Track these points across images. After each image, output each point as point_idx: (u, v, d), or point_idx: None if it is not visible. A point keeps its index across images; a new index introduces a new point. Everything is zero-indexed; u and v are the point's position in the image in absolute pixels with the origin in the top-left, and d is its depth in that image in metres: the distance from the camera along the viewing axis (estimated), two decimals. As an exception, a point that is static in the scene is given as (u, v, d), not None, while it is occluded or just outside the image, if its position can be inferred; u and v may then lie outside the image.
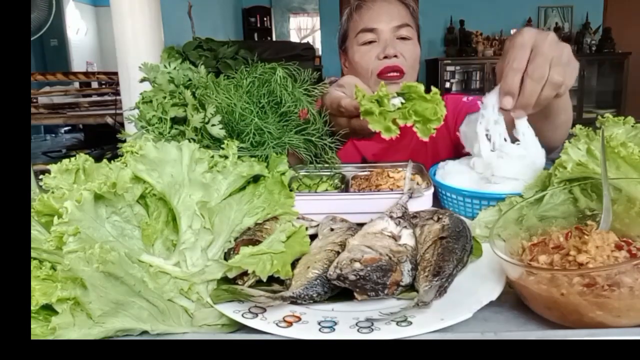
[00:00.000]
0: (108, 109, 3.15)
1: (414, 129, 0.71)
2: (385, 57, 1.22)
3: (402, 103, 0.73)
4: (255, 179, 0.69)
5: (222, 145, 0.67)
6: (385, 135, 0.71)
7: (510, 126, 0.81)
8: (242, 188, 0.66)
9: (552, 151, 0.92)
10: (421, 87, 0.72)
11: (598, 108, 7.22)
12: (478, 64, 7.21)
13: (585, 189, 0.66)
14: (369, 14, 1.26)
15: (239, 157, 0.67)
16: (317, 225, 0.73)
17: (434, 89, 0.73)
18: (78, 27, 8.15)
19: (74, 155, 0.64)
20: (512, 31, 7.42)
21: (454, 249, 0.60)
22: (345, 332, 0.49)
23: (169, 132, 0.78)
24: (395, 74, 1.21)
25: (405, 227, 0.66)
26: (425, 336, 0.48)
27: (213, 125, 0.75)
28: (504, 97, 0.76)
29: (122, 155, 0.62)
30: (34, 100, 3.24)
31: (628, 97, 7.22)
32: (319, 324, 0.51)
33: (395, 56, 1.22)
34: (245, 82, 0.82)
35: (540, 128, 0.90)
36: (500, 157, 0.80)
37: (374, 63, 1.23)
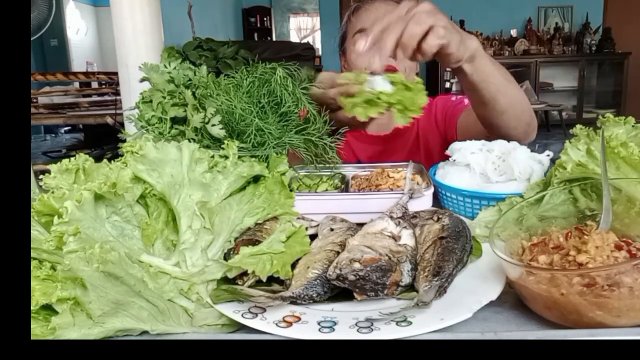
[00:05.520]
0: (108, 109, 3.15)
1: (393, 113, 0.74)
2: None
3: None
4: (256, 179, 0.69)
5: (222, 146, 0.67)
6: (362, 117, 0.73)
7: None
8: (242, 188, 0.66)
9: (503, 138, 0.92)
10: (401, 77, 0.75)
11: (598, 108, 7.22)
12: (478, 64, 7.18)
13: (585, 189, 0.66)
14: (365, 14, 1.27)
15: (239, 157, 0.67)
16: (317, 225, 0.73)
17: (416, 77, 0.75)
18: (78, 27, 8.16)
19: (74, 155, 0.63)
20: (512, 31, 7.45)
21: (453, 249, 0.60)
22: (345, 332, 0.49)
23: (169, 132, 0.78)
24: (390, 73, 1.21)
25: (405, 227, 0.66)
26: (425, 336, 0.48)
27: (213, 125, 0.75)
28: (359, 39, 0.73)
29: (122, 155, 0.62)
30: (34, 100, 3.25)
31: (628, 97, 7.22)
32: (319, 324, 0.51)
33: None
34: (245, 82, 0.82)
35: (482, 115, 0.93)
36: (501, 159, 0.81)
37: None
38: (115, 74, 2.54)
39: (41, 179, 0.61)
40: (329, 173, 0.92)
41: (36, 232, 0.55)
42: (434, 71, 6.99)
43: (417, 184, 0.85)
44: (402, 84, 0.74)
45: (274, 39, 8.39)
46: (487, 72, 0.88)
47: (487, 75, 0.89)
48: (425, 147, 1.34)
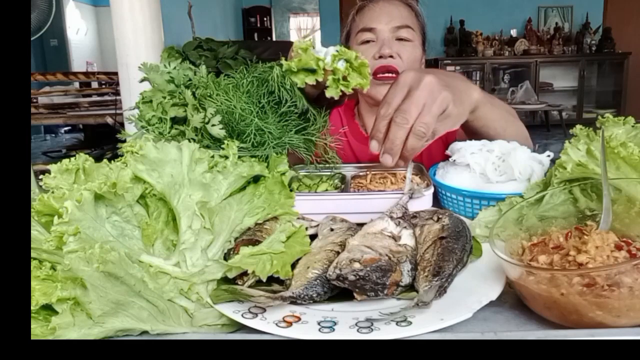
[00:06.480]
0: (108, 109, 3.15)
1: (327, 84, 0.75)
2: (381, 57, 1.21)
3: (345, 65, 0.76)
4: (256, 179, 0.69)
5: (222, 146, 0.67)
6: (301, 83, 0.75)
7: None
8: (243, 188, 0.66)
9: None
10: (352, 54, 0.75)
11: (598, 108, 7.23)
12: (478, 64, 7.21)
13: (585, 189, 0.66)
14: (369, 14, 1.26)
15: (239, 157, 0.67)
16: (317, 225, 0.73)
17: (364, 61, 0.75)
18: (78, 27, 8.16)
19: (74, 155, 0.63)
20: (512, 31, 7.45)
21: (453, 249, 0.60)
22: (345, 332, 0.49)
23: (169, 132, 0.78)
24: (390, 74, 1.20)
25: (405, 227, 0.66)
26: (425, 336, 0.48)
27: (213, 125, 0.75)
28: (371, 141, 0.75)
29: (122, 155, 0.62)
30: (34, 100, 3.25)
31: (628, 97, 7.23)
32: (319, 324, 0.51)
33: (391, 56, 1.21)
34: (245, 82, 0.82)
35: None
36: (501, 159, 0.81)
37: (370, 62, 1.23)
38: (115, 74, 2.54)
39: (41, 179, 0.61)
40: (329, 173, 0.92)
41: (36, 232, 0.55)
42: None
43: (417, 184, 0.85)
44: (348, 60, 0.75)
45: (274, 39, 8.39)
46: (488, 118, 0.89)
47: (488, 120, 0.90)
48: (426, 149, 1.34)
